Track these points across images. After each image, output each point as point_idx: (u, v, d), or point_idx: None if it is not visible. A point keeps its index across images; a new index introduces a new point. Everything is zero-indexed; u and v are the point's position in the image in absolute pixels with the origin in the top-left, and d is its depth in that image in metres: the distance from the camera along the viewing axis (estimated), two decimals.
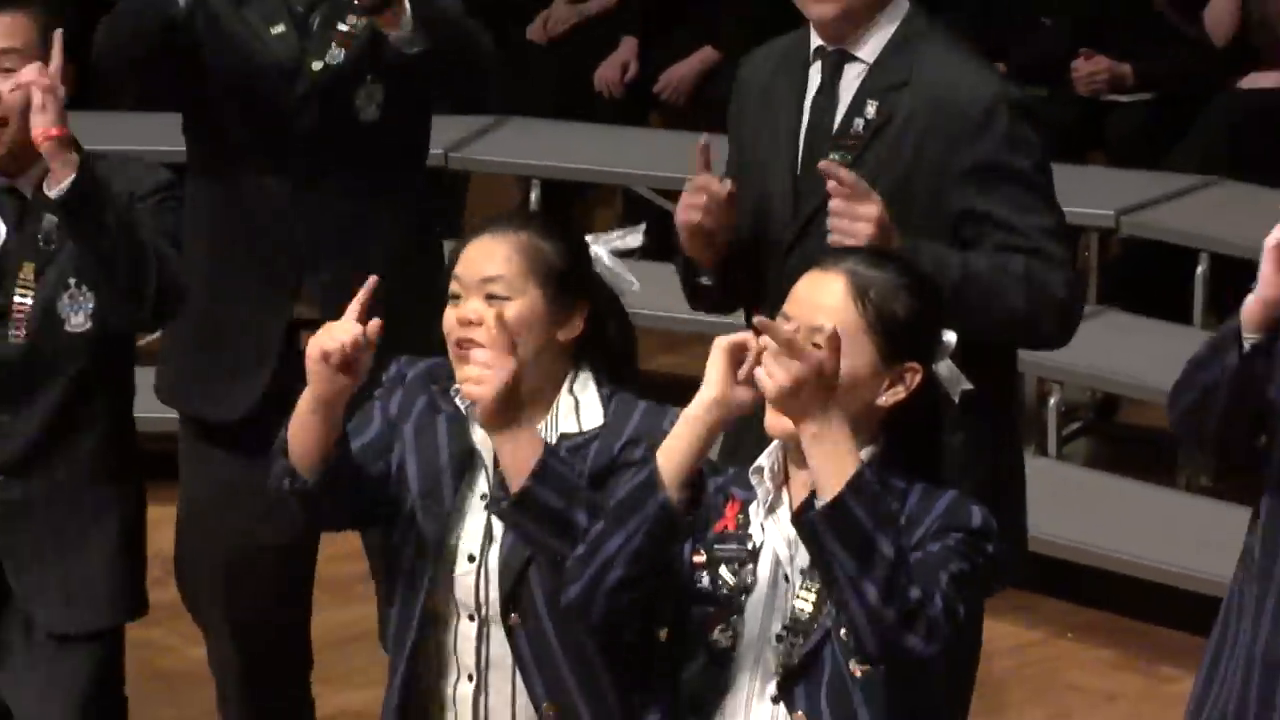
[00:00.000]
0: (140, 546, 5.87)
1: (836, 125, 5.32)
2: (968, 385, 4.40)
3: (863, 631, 4.21)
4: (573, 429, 4.67)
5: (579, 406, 4.70)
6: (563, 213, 9.27)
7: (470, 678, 4.73)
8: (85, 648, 5.77)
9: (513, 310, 4.60)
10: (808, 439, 4.22)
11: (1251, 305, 4.81)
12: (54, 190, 5.50)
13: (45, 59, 5.48)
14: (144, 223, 5.61)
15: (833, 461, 4.19)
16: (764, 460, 4.44)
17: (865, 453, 4.31)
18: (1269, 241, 4.80)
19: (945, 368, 4.42)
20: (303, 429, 4.60)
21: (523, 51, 10.44)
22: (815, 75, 5.38)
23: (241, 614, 6.23)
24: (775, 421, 4.33)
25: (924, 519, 4.32)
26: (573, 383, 4.70)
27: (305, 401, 4.61)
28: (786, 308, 4.35)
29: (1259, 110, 9.22)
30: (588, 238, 4.72)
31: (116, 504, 5.76)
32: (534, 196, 9.21)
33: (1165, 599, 7.71)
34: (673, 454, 4.33)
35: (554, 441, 4.63)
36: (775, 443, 4.42)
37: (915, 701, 4.38)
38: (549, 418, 4.67)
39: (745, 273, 5.36)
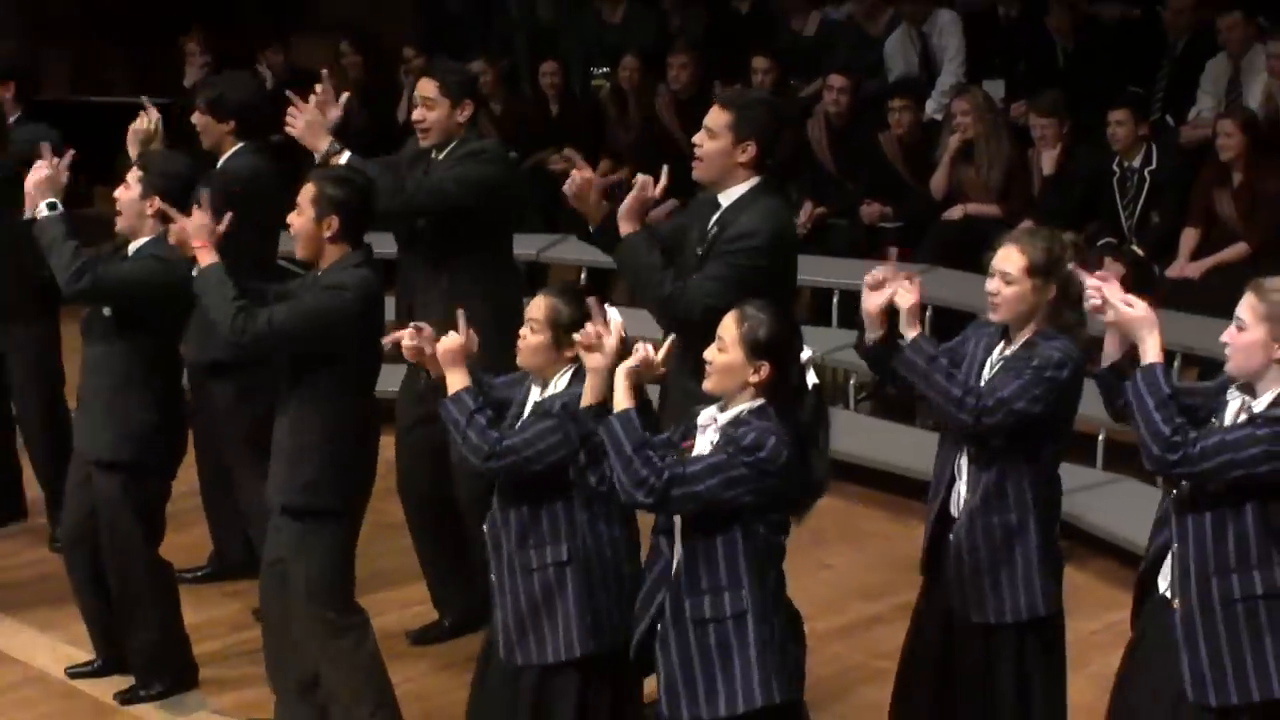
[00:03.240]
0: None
1: (702, 233, 5.25)
2: (815, 380, 4.24)
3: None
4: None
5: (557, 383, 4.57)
6: (598, 281, 9.19)
7: None
8: (283, 519, 5.20)
9: (530, 339, 4.54)
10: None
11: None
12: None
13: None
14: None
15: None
16: (710, 410, 4.29)
17: (750, 406, 4.16)
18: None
19: (805, 366, 4.23)
20: None
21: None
22: (712, 206, 5.29)
23: None
24: (709, 385, 4.22)
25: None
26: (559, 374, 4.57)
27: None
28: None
29: (957, 234, 9.26)
30: (608, 305, 4.44)
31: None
32: (583, 276, 9.18)
33: (909, 485, 7.67)
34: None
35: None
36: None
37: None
38: (551, 387, 4.58)
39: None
